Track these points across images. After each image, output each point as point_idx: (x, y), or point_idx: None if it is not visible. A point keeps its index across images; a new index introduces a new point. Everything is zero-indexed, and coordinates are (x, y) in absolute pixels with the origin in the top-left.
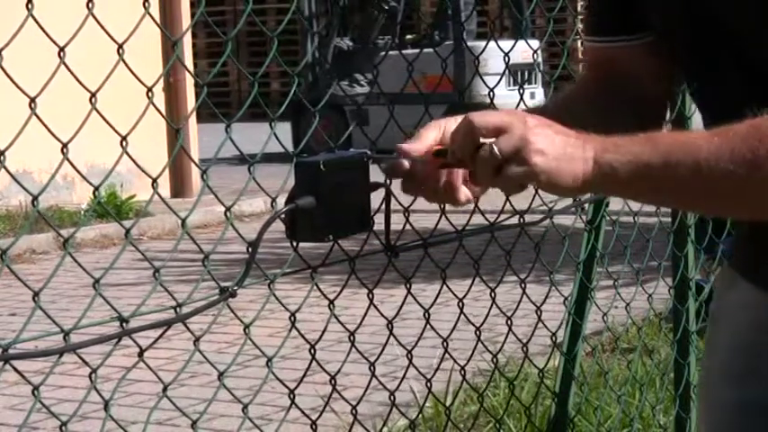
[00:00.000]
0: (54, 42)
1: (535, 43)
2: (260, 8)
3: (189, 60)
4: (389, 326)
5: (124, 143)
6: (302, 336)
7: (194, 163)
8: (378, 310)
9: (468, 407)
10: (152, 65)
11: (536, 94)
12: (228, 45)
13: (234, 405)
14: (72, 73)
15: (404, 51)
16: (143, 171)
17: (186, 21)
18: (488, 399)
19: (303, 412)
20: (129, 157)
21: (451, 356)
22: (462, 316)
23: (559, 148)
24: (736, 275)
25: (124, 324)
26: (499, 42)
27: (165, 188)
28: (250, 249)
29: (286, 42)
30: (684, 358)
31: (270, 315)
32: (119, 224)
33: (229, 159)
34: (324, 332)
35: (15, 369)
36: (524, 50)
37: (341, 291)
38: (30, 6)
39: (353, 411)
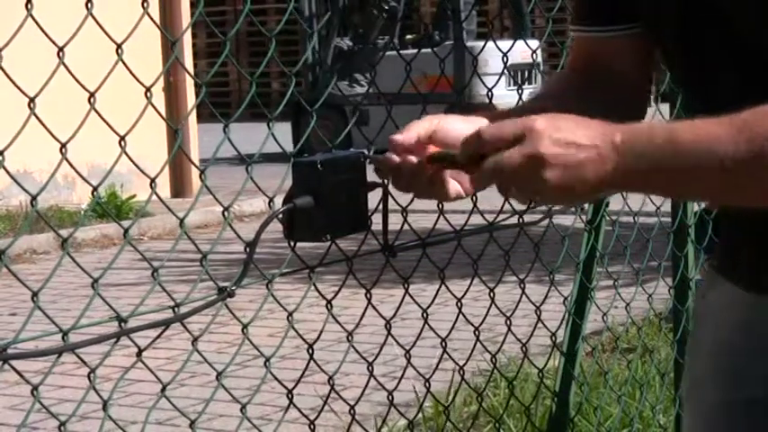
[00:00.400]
0: (53, 42)
1: (534, 43)
2: (260, 8)
3: (189, 60)
4: (388, 326)
5: (123, 143)
6: (300, 336)
7: (193, 163)
8: (376, 311)
9: (468, 407)
10: (152, 65)
11: None
12: (227, 45)
13: (233, 405)
14: (71, 73)
15: (404, 52)
16: (141, 171)
17: (186, 21)
18: (488, 399)
19: (302, 412)
20: (128, 156)
21: (450, 356)
22: (462, 316)
23: (572, 161)
24: (718, 276)
25: (123, 324)
26: (498, 42)
27: (165, 188)
28: (248, 249)
29: (286, 42)
30: (684, 358)
31: (269, 315)
32: (118, 224)
33: (230, 159)
34: (322, 332)
35: (14, 369)
36: (524, 50)
37: (338, 291)
38: (29, 6)
39: (352, 411)
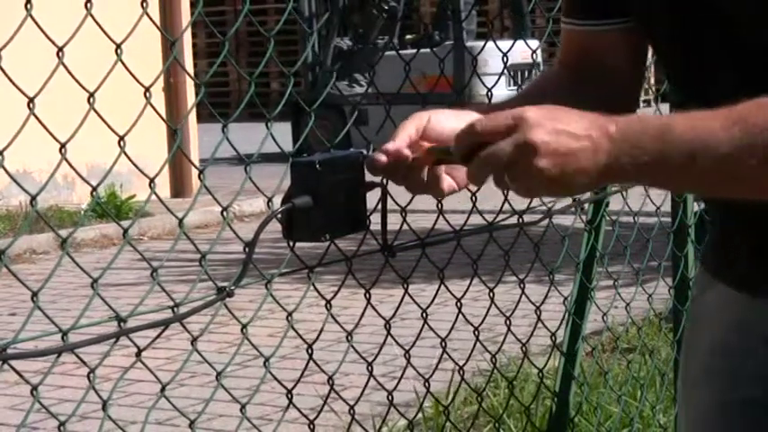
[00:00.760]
0: (53, 42)
1: (534, 43)
2: (260, 8)
3: (189, 60)
4: (387, 326)
5: (122, 143)
6: (300, 336)
7: (192, 163)
8: (376, 311)
9: (468, 407)
10: (152, 65)
11: None
12: (225, 45)
13: (233, 405)
14: (70, 73)
15: (404, 52)
16: (140, 171)
17: (186, 21)
18: (488, 399)
19: (301, 412)
20: (127, 156)
21: (450, 356)
22: (461, 316)
23: (565, 149)
24: (711, 277)
25: (122, 324)
26: (498, 42)
27: (165, 188)
28: (247, 249)
29: (286, 42)
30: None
31: (269, 315)
32: (118, 224)
33: (229, 159)
34: (321, 332)
35: (14, 369)
36: (524, 50)
37: (338, 291)
38: (28, 6)
39: (351, 411)
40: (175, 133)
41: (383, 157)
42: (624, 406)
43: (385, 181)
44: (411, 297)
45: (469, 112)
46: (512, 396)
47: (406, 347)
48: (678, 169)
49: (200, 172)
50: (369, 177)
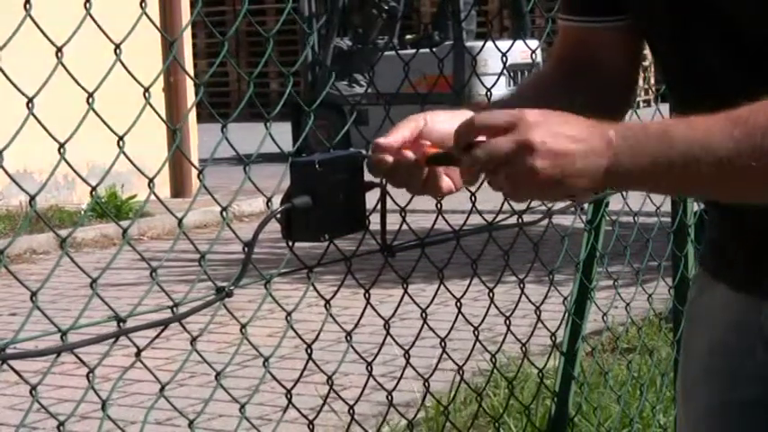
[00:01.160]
0: (52, 43)
1: (534, 43)
2: (260, 8)
3: (189, 60)
4: (387, 326)
5: (122, 143)
6: (299, 336)
7: (191, 163)
8: (375, 311)
9: (468, 407)
10: (152, 65)
11: None
12: (225, 45)
13: (232, 405)
14: (69, 73)
15: (404, 52)
16: (140, 171)
17: (186, 20)
18: (488, 399)
19: (301, 412)
20: (127, 156)
21: (450, 357)
22: (461, 316)
23: (562, 150)
24: (710, 278)
25: (121, 324)
26: (498, 42)
27: (165, 188)
28: (246, 249)
29: (286, 42)
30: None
31: (269, 315)
32: (117, 224)
33: (229, 159)
34: (321, 332)
35: (13, 369)
36: (523, 50)
37: (337, 290)
38: (28, 7)
39: (351, 411)
40: (175, 133)
41: (389, 158)
42: (624, 406)
43: (384, 181)
44: (411, 297)
45: (465, 113)
46: (512, 396)
47: (406, 347)
48: (679, 172)
49: (200, 172)
50: (368, 177)
